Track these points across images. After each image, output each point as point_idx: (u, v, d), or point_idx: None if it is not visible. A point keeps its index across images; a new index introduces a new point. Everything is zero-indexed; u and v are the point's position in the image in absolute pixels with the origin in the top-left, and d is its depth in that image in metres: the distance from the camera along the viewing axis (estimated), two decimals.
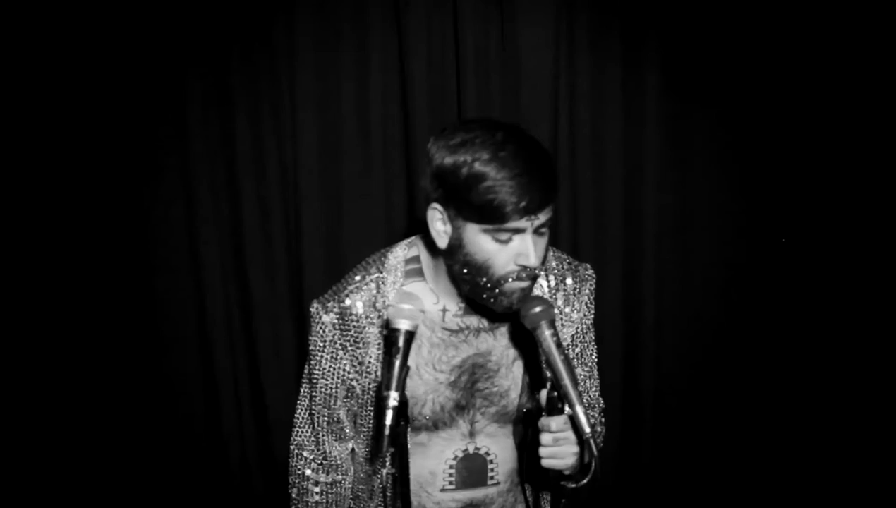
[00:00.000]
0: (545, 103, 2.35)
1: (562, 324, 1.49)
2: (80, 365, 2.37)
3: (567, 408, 1.22)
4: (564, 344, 1.48)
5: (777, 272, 2.52)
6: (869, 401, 2.49)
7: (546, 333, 1.23)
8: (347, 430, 1.52)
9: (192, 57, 2.26)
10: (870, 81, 2.35)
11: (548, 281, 1.48)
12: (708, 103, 2.42)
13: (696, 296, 2.53)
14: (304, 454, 1.57)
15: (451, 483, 1.49)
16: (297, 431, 1.58)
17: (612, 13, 2.33)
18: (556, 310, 1.46)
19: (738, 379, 2.55)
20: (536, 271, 1.29)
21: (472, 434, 1.49)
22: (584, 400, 1.53)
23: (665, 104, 2.39)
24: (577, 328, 1.51)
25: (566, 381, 1.20)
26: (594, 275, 1.54)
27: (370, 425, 1.49)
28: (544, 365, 1.26)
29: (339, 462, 1.55)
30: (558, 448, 1.24)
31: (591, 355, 1.56)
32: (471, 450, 1.49)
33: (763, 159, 2.46)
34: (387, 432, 1.17)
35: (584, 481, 1.28)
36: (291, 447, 1.59)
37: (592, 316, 1.54)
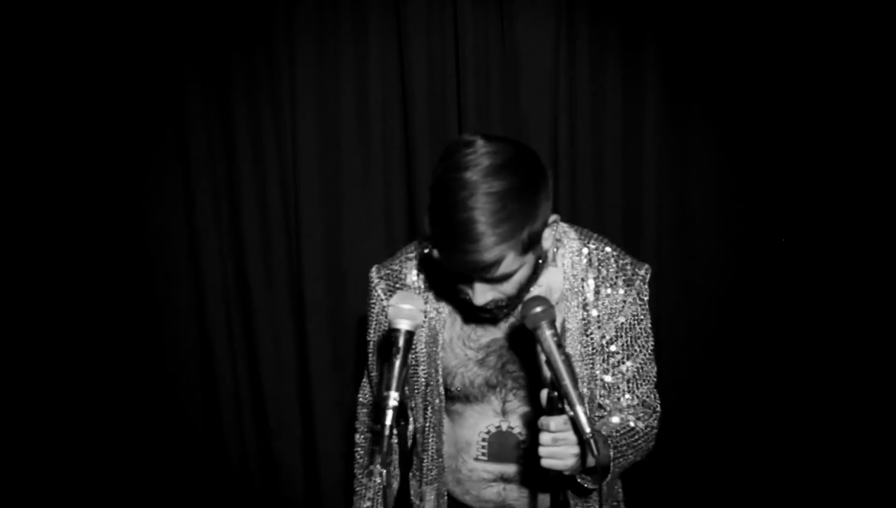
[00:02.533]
0: (545, 103, 2.35)
1: (599, 320, 1.47)
2: (82, 366, 2.37)
3: (568, 408, 1.22)
4: (605, 339, 1.48)
5: (777, 272, 2.52)
6: (871, 402, 2.48)
7: (547, 333, 1.22)
8: None
9: (193, 57, 2.26)
10: (868, 81, 2.35)
11: (590, 273, 1.48)
12: (708, 103, 2.42)
13: (696, 296, 2.53)
14: (367, 403, 1.66)
15: (483, 454, 1.52)
16: (363, 383, 1.68)
17: (612, 13, 2.33)
18: (594, 308, 1.46)
19: (738, 379, 2.55)
20: (492, 304, 1.32)
21: (504, 413, 1.51)
22: (631, 395, 1.51)
23: (665, 104, 2.39)
24: (621, 324, 1.48)
25: (566, 381, 1.19)
26: (646, 276, 1.49)
27: (415, 392, 1.55)
28: (545, 365, 1.26)
29: None
30: (557, 449, 1.23)
31: (638, 353, 1.50)
32: (504, 428, 1.51)
33: (763, 159, 2.45)
34: (387, 432, 1.17)
35: (605, 481, 1.31)
36: (359, 396, 1.68)
37: (645, 313, 1.50)
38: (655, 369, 1.54)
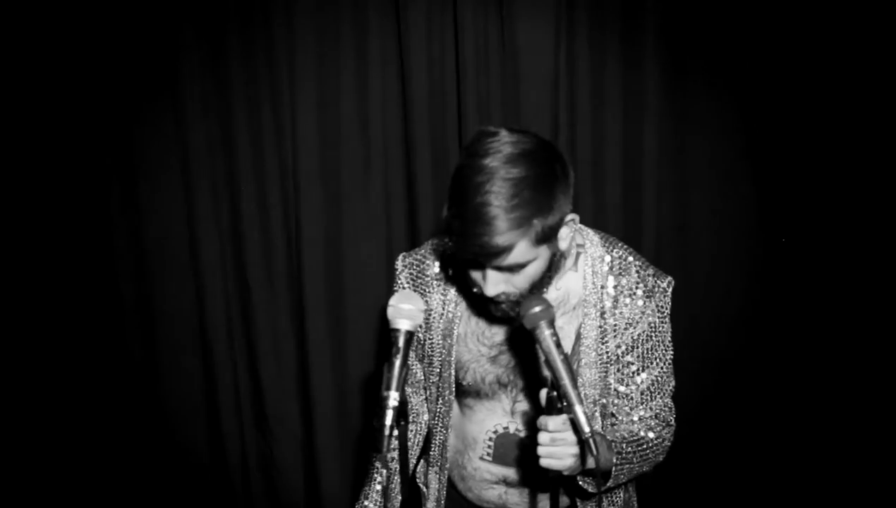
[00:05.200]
0: (545, 103, 2.35)
1: (616, 327, 1.46)
2: (80, 367, 2.37)
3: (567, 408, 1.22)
4: (620, 349, 1.47)
5: (778, 272, 2.52)
6: (875, 402, 2.47)
7: (545, 333, 1.23)
8: (420, 376, 1.61)
9: (192, 56, 2.26)
10: (871, 80, 2.34)
11: (610, 280, 1.47)
12: (708, 102, 2.42)
13: (696, 296, 2.53)
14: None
15: (488, 454, 1.53)
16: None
17: (612, 13, 2.33)
18: (611, 317, 1.46)
19: (739, 380, 2.55)
20: (503, 297, 1.32)
21: (513, 413, 1.52)
22: (643, 407, 1.49)
23: (665, 103, 2.39)
24: (638, 335, 1.47)
25: (566, 381, 1.19)
26: (667, 289, 1.47)
27: (430, 381, 1.58)
28: (543, 365, 1.26)
29: (416, 409, 1.64)
30: (556, 449, 1.23)
31: (652, 364, 1.48)
32: (511, 429, 1.51)
33: (764, 158, 2.45)
34: (387, 432, 1.17)
35: (606, 486, 1.33)
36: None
37: (665, 327, 1.48)
38: (673, 382, 1.51)
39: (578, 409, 1.17)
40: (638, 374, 1.48)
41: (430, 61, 2.30)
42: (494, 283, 1.29)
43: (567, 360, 1.21)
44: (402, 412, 1.21)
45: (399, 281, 1.57)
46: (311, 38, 2.28)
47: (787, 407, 2.56)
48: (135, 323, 2.40)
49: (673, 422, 1.52)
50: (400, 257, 1.60)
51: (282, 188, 2.37)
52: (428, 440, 1.64)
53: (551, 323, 1.23)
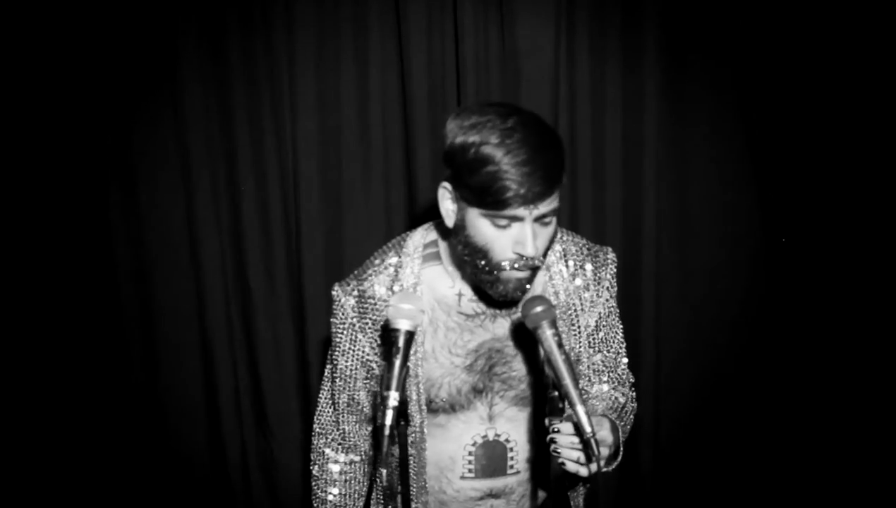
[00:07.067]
0: (545, 103, 2.35)
1: (583, 309, 1.48)
2: (80, 367, 2.37)
3: (568, 408, 1.22)
4: (589, 329, 1.50)
5: (779, 272, 2.51)
6: (875, 402, 2.46)
7: (547, 333, 1.23)
8: (367, 411, 1.54)
9: (192, 56, 2.26)
10: (876, 78, 2.34)
11: (567, 266, 1.48)
12: (709, 102, 2.42)
13: (696, 296, 2.53)
14: (325, 433, 1.59)
15: (470, 470, 1.48)
16: (320, 411, 1.61)
17: (612, 12, 2.33)
18: (576, 298, 1.47)
19: (740, 379, 2.55)
20: (536, 262, 1.29)
21: (490, 419, 1.47)
22: (614, 379, 1.56)
23: (665, 103, 2.39)
24: (600, 312, 1.51)
25: (567, 381, 1.19)
26: (615, 259, 1.54)
27: None
28: (545, 365, 1.26)
29: (357, 442, 1.57)
30: (562, 451, 1.23)
31: (615, 335, 1.55)
32: (490, 436, 1.47)
33: (765, 158, 2.45)
34: (387, 432, 1.17)
35: (614, 465, 1.35)
36: (314, 425, 1.62)
37: (615, 297, 1.54)
38: (624, 342, 1.59)
39: (580, 409, 1.17)
40: (603, 348, 1.53)
41: (430, 61, 2.30)
42: (535, 237, 1.26)
43: (569, 360, 1.21)
44: (402, 412, 1.21)
45: (343, 312, 1.46)
46: (312, 38, 2.28)
47: (789, 407, 2.56)
48: (135, 323, 2.40)
49: (632, 378, 1.62)
50: (337, 287, 1.48)
51: (282, 188, 2.37)
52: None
53: (553, 324, 1.23)
